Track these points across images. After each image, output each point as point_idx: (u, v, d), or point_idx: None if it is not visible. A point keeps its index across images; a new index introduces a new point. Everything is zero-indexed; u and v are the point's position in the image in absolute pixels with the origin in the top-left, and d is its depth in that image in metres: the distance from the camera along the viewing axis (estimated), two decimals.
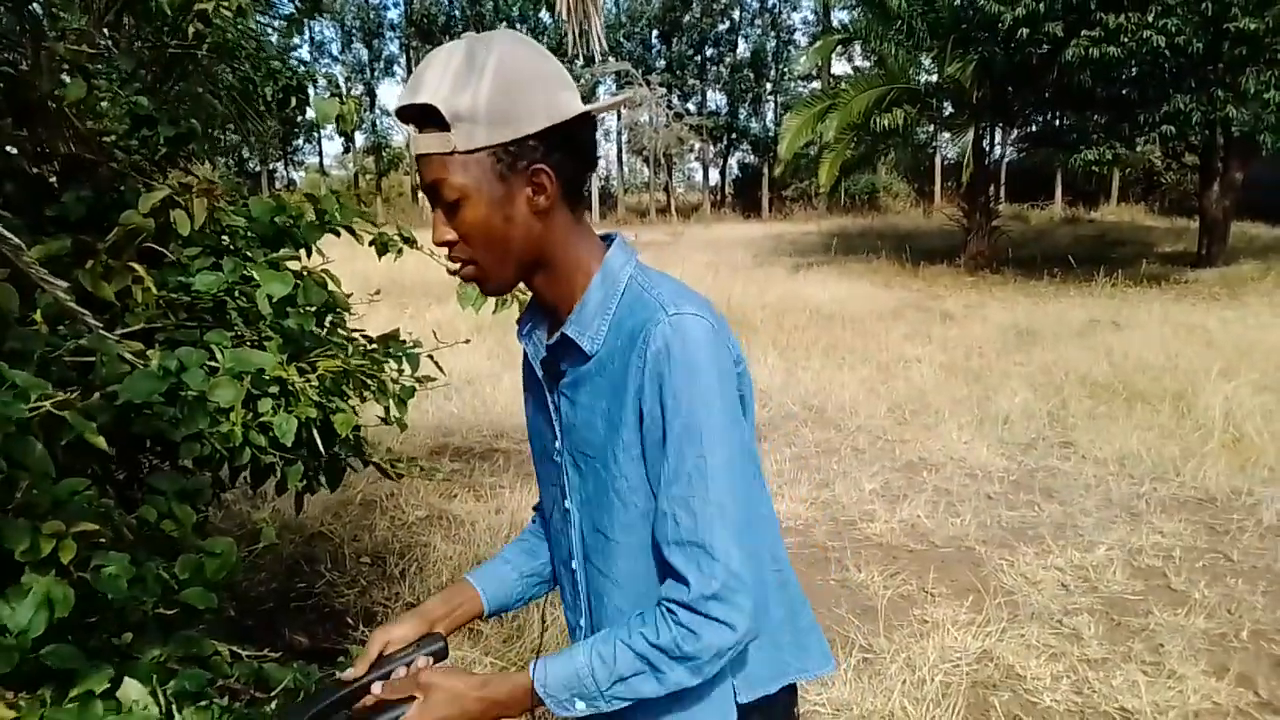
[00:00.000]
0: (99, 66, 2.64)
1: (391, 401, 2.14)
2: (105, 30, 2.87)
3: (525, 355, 1.33)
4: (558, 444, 1.26)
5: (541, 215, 1.14)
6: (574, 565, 1.29)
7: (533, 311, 1.31)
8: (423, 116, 1.09)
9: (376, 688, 1.19)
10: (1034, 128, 19.82)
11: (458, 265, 1.18)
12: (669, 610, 1.07)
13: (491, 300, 2.32)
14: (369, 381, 2.07)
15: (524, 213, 1.13)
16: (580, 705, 1.11)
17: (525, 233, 1.14)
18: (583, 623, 1.31)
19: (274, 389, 1.80)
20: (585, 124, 1.14)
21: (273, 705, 1.42)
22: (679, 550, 1.07)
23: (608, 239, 1.24)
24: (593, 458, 1.19)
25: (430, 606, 1.34)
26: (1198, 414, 6.35)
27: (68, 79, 2.18)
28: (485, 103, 1.06)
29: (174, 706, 1.16)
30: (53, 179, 2.20)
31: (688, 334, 1.08)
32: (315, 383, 1.90)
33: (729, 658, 1.08)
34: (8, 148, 2.05)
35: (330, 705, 1.18)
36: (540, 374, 1.27)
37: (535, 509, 1.50)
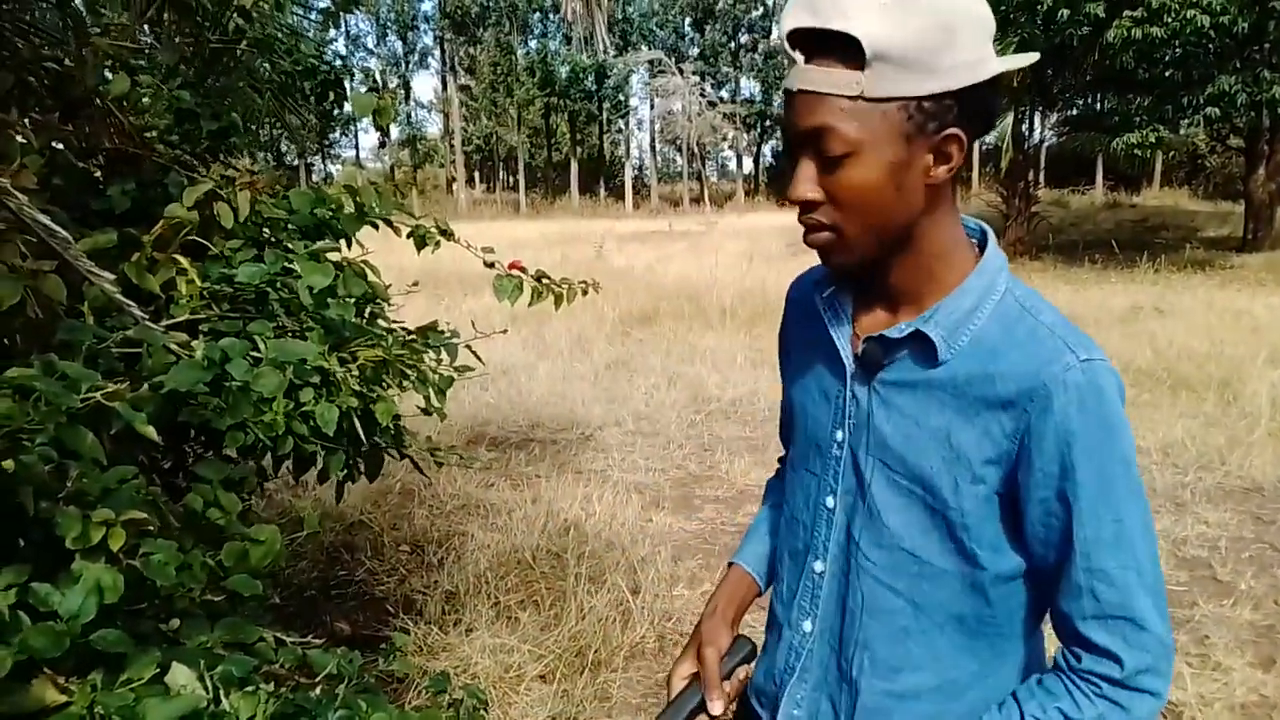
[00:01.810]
0: (141, 62, 2.68)
1: (431, 391, 2.15)
2: (146, 26, 2.92)
3: (790, 310, 1.25)
4: (840, 436, 1.13)
5: (932, 189, 0.99)
6: (818, 568, 1.16)
7: (838, 277, 1.14)
8: (823, 43, 0.92)
9: (718, 706, 1.18)
10: (1074, 111, 19.55)
11: (810, 229, 1.01)
12: (1092, 684, 0.98)
13: (527, 291, 2.32)
14: (408, 371, 2.09)
15: (917, 183, 0.97)
16: None
17: (908, 207, 0.98)
18: (809, 626, 1.18)
19: (315, 379, 1.82)
20: (995, 86, 0.97)
21: (317, 690, 1.43)
22: (1101, 625, 0.97)
23: (971, 230, 1.12)
24: (899, 471, 1.06)
25: (724, 607, 1.28)
26: (1244, 402, 6.23)
27: (110, 75, 2.21)
28: (915, 43, 0.89)
29: (220, 691, 1.18)
30: (98, 173, 2.24)
31: (1104, 388, 0.96)
32: (356, 372, 1.92)
33: None
34: (54, 142, 2.09)
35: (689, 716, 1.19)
36: (846, 355, 1.11)
37: (781, 460, 1.41)
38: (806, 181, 0.97)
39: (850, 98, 0.92)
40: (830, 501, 1.15)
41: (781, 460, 1.42)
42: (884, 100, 0.92)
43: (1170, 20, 12.93)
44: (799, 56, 0.93)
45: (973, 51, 0.92)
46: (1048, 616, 1.09)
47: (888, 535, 1.07)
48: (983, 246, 1.10)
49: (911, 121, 0.93)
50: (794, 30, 0.92)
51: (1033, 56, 1.02)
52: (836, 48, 0.91)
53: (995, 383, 0.99)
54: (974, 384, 1.00)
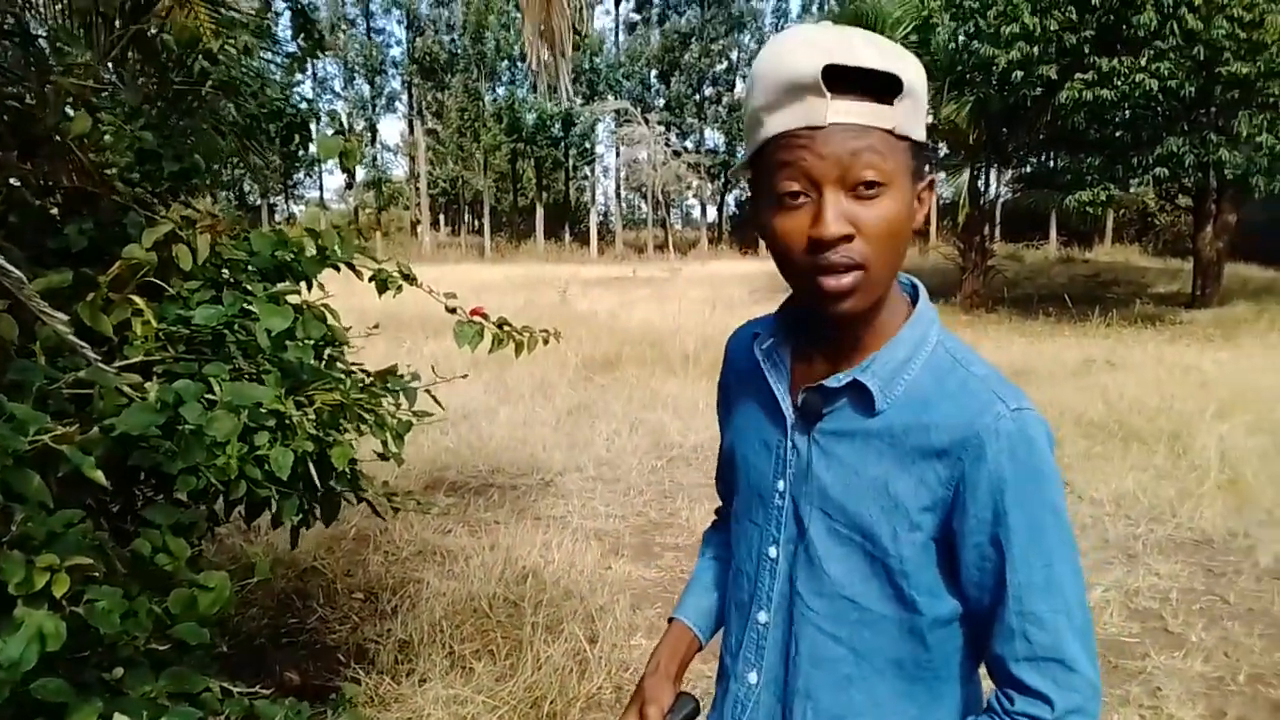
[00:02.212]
0: (104, 100, 2.67)
1: (389, 435, 2.14)
2: (110, 65, 2.91)
3: (729, 363, 1.28)
4: (781, 486, 1.14)
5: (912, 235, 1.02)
6: (762, 618, 1.17)
7: (779, 328, 1.17)
8: (851, 82, 0.94)
9: None
10: (1029, 168, 20.02)
11: (838, 270, 0.98)
12: None
13: (488, 338, 2.33)
14: (366, 415, 2.08)
15: (910, 228, 1.01)
16: None
17: (905, 251, 1.02)
18: (754, 678, 1.18)
19: (271, 422, 1.80)
20: None
21: None
22: (1033, 667, 1.00)
23: (903, 284, 1.14)
24: (839, 520, 1.08)
25: (666, 663, 1.28)
26: (1193, 455, 6.35)
27: (72, 113, 2.20)
28: (922, 88, 0.97)
29: None
30: (55, 211, 2.22)
31: (1034, 437, 1.00)
32: (313, 416, 1.91)
33: None
34: (11, 180, 2.07)
35: None
36: (786, 406, 1.13)
37: (718, 511, 1.43)
38: (840, 218, 0.96)
39: (886, 130, 0.95)
40: (773, 551, 1.15)
41: (718, 512, 1.45)
42: (905, 139, 0.97)
43: (1120, 83, 13.36)
44: (828, 96, 0.94)
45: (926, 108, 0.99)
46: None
47: (829, 583, 1.09)
48: (914, 299, 1.13)
49: (915, 162, 0.99)
50: (829, 66, 0.93)
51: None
52: (865, 86, 0.94)
53: (930, 432, 1.02)
54: (910, 434, 1.03)
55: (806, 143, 0.95)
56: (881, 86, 0.94)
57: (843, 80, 0.93)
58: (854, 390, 1.06)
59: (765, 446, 1.17)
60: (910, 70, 0.95)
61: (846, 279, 0.98)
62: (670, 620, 1.36)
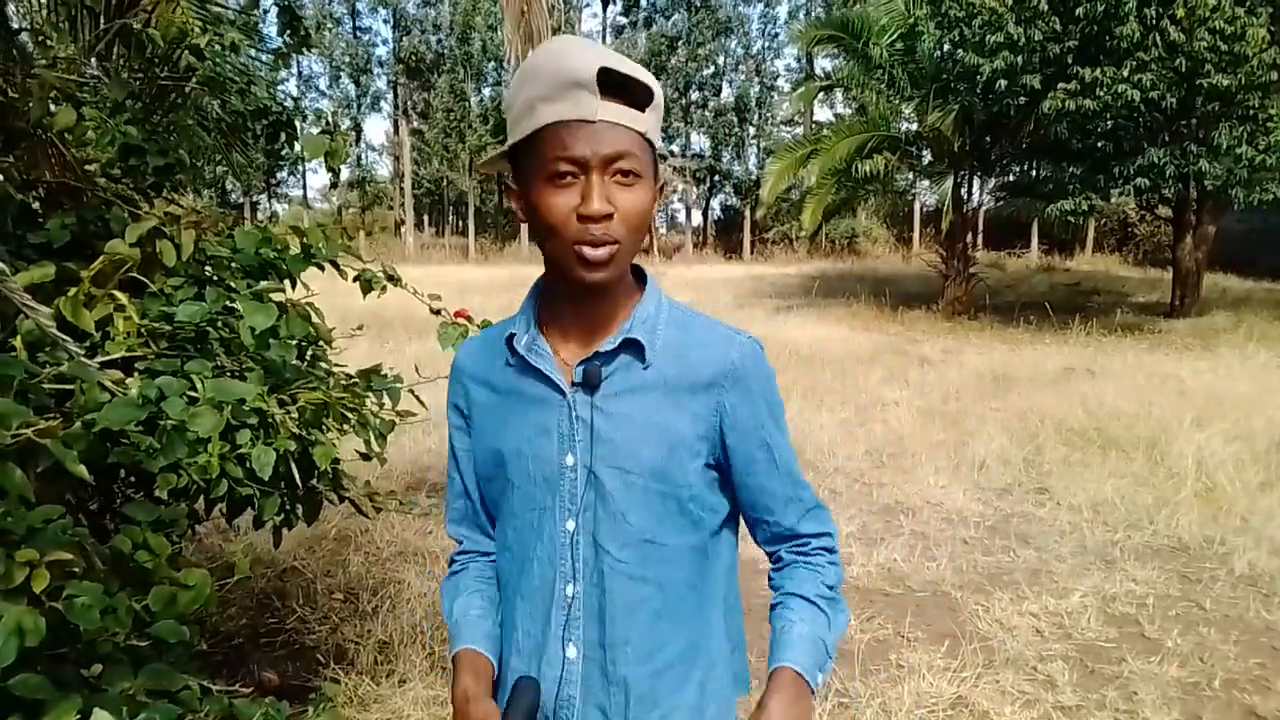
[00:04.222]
0: (88, 95, 2.66)
1: (371, 435, 2.14)
2: (95, 60, 2.89)
3: (466, 380, 1.34)
4: (571, 460, 1.23)
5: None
6: (570, 590, 1.23)
7: (531, 322, 1.28)
8: (616, 87, 1.11)
9: None
10: (1011, 177, 20.13)
11: (601, 243, 1.14)
12: (822, 556, 1.31)
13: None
14: (349, 415, 2.07)
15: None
16: (820, 679, 1.24)
17: (645, 233, 1.20)
18: (573, 652, 1.23)
19: (253, 420, 1.80)
20: None
21: None
22: (810, 517, 1.31)
23: None
24: (634, 471, 1.21)
25: (477, 688, 1.23)
26: (1171, 462, 6.41)
27: (54, 107, 2.19)
28: (661, 103, 1.16)
29: None
30: (37, 205, 2.20)
31: (762, 356, 1.26)
32: (295, 415, 1.90)
33: None
34: None
35: None
36: (563, 384, 1.23)
37: (454, 557, 1.43)
38: (602, 199, 1.11)
39: (639, 133, 1.13)
40: (570, 524, 1.24)
41: (454, 560, 1.43)
42: (649, 142, 1.15)
43: (1102, 94, 13.46)
44: (595, 96, 1.09)
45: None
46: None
47: (632, 531, 1.22)
48: (639, 277, 1.30)
49: (654, 165, 1.18)
50: (603, 69, 1.08)
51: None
52: (626, 92, 1.12)
53: (693, 370, 1.23)
54: (678, 379, 1.22)
55: (579, 132, 1.10)
56: (637, 97, 1.12)
57: (609, 86, 1.10)
58: (627, 348, 1.22)
59: (543, 432, 1.25)
60: (656, 87, 1.15)
61: (603, 250, 1.13)
62: (457, 655, 1.29)
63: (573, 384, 1.23)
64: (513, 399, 1.28)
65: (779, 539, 1.33)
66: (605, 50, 1.12)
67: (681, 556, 1.25)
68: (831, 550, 1.32)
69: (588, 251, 1.13)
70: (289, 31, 3.27)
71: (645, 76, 1.13)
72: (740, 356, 1.23)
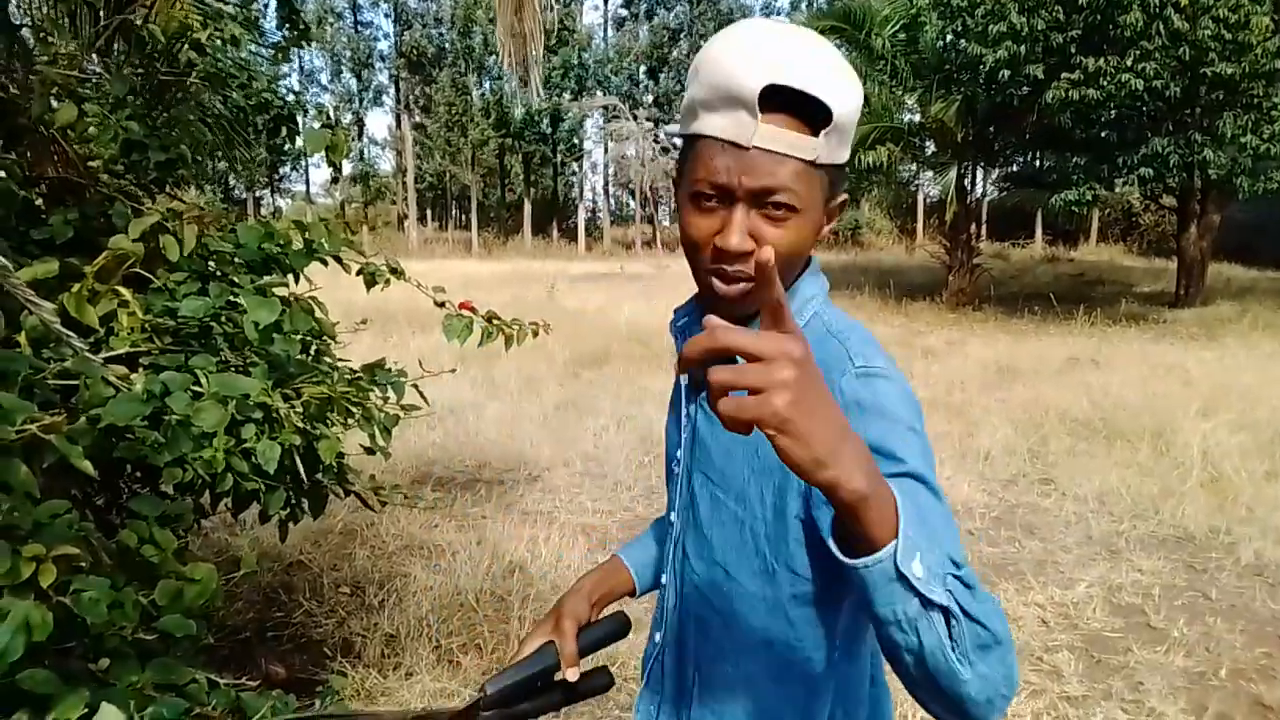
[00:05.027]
0: (89, 91, 2.65)
1: (376, 429, 2.14)
2: (96, 55, 2.89)
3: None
4: (679, 454, 1.19)
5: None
6: (663, 579, 1.23)
7: (694, 309, 1.21)
8: (785, 104, 0.93)
9: (572, 674, 1.18)
10: (1015, 168, 20.09)
11: (734, 279, 1.01)
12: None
13: (477, 331, 2.32)
14: (353, 409, 2.07)
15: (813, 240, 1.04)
16: (917, 567, 0.76)
17: (804, 260, 1.08)
18: (659, 637, 1.23)
19: (258, 415, 1.80)
20: None
21: None
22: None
23: None
24: (719, 485, 1.11)
25: (590, 587, 1.30)
26: (1176, 452, 6.41)
27: (57, 103, 2.19)
28: (853, 116, 0.97)
29: None
30: (39, 201, 2.20)
31: (882, 390, 1.00)
32: (300, 409, 1.90)
33: None
34: None
35: (534, 676, 1.16)
36: (684, 378, 1.18)
37: None
38: (742, 233, 0.98)
39: (807, 161, 0.95)
40: (673, 517, 1.21)
41: None
42: (823, 166, 0.97)
43: (1106, 83, 13.42)
44: (757, 117, 0.93)
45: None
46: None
47: (708, 549, 1.13)
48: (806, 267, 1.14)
49: (832, 186, 1.01)
50: (768, 86, 0.92)
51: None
52: (798, 111, 0.93)
53: None
54: None
55: (730, 155, 0.96)
56: (813, 110, 0.94)
57: (777, 97, 0.93)
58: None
59: (676, 421, 1.22)
60: (846, 99, 0.95)
61: (735, 288, 1.01)
62: (612, 556, 1.41)
63: (687, 378, 1.18)
64: (674, 380, 1.24)
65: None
66: (787, 50, 0.94)
67: (752, 603, 1.08)
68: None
69: (720, 287, 1.02)
70: (287, 25, 3.27)
71: (826, 91, 0.92)
72: (840, 386, 1.00)
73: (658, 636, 1.24)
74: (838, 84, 0.94)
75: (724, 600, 1.11)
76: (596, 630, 1.24)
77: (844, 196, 1.03)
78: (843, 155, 1.00)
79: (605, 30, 52.23)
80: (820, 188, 0.99)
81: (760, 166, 0.95)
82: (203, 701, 1.40)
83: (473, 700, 1.13)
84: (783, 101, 0.93)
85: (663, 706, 1.23)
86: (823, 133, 0.94)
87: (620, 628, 1.26)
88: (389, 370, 2.30)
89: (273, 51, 3.63)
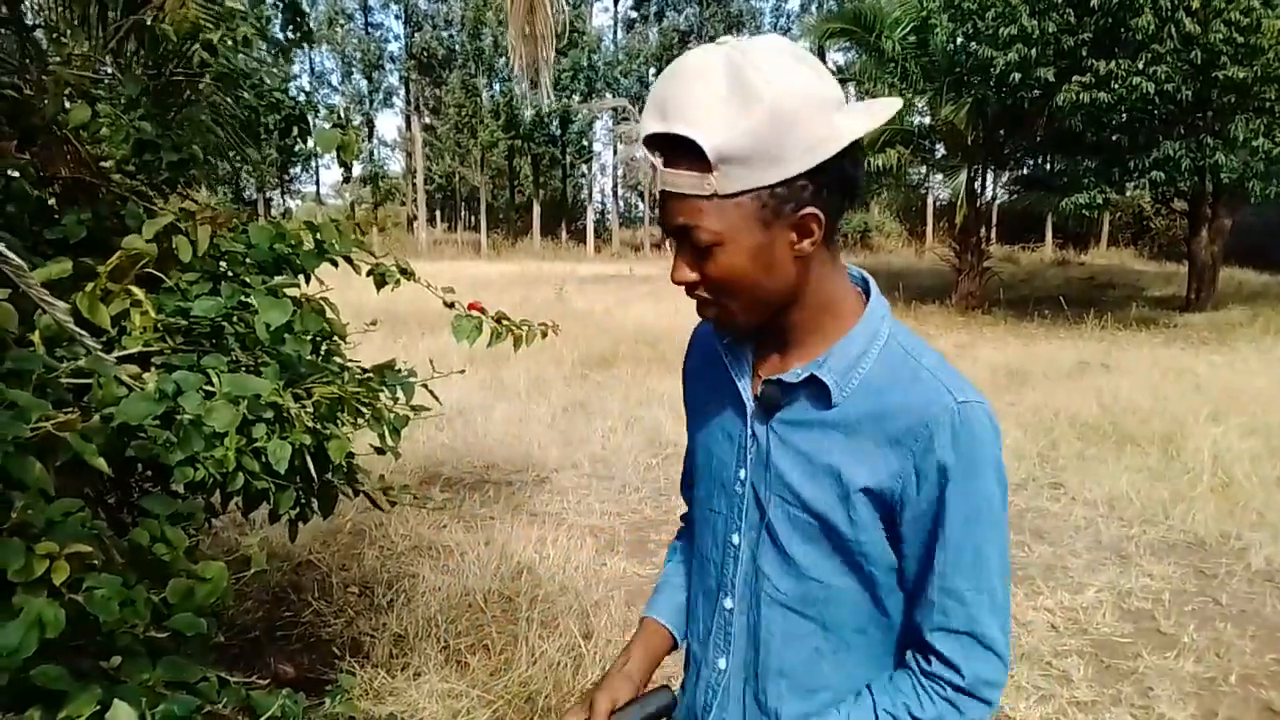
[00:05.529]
0: (102, 91, 2.67)
1: (385, 430, 2.14)
2: (109, 56, 2.91)
3: (693, 349, 1.32)
4: (743, 475, 1.17)
5: (802, 259, 1.04)
6: (728, 604, 1.21)
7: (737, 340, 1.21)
8: (675, 147, 0.96)
9: None
10: (1025, 171, 20.03)
11: (700, 304, 1.09)
12: (936, 685, 1.07)
13: (486, 332, 2.33)
14: (363, 409, 2.08)
15: (785, 258, 1.03)
16: None
17: (782, 279, 1.05)
18: (724, 664, 1.22)
19: (269, 414, 1.81)
20: (854, 151, 1.00)
21: None
22: (948, 637, 1.07)
23: (855, 279, 1.18)
24: (804, 510, 1.11)
25: (634, 661, 1.29)
26: (1187, 457, 6.37)
27: (68, 104, 2.20)
28: (754, 140, 0.93)
29: None
30: (52, 201, 2.21)
31: (976, 427, 1.03)
32: (310, 409, 1.91)
33: None
34: (9, 170, 2.06)
35: None
36: (747, 396, 1.16)
37: (684, 518, 1.46)
38: (684, 268, 1.05)
39: (705, 197, 0.97)
40: (736, 539, 1.19)
41: (684, 519, 1.46)
42: (736, 194, 0.97)
43: (1117, 86, 13.38)
44: (657, 159, 0.98)
45: (816, 130, 0.95)
46: None
47: (794, 566, 1.13)
48: (867, 294, 1.17)
49: (766, 209, 0.98)
50: (650, 135, 0.98)
51: (895, 102, 1.04)
52: (687, 151, 0.95)
53: (883, 422, 1.06)
54: (864, 424, 1.07)
55: (662, 199, 1.02)
56: (700, 148, 0.94)
57: (671, 145, 0.96)
58: (811, 384, 1.10)
59: (728, 436, 1.20)
60: (729, 129, 0.93)
61: (710, 312, 1.09)
62: (642, 619, 1.37)
63: (755, 399, 1.16)
64: (714, 391, 1.24)
65: (909, 637, 1.14)
66: (666, 91, 0.96)
67: (846, 599, 1.13)
68: (957, 689, 1.07)
69: (701, 312, 1.10)
70: (291, 26, 3.28)
71: (698, 128, 0.93)
72: (942, 419, 1.02)
73: (721, 663, 1.22)
74: (720, 115, 0.93)
75: (820, 608, 1.14)
76: (642, 709, 1.22)
77: (808, 209, 0.99)
78: (767, 177, 0.96)
79: (615, 32, 52.30)
80: (747, 214, 0.98)
81: (670, 208, 1.01)
82: (213, 699, 1.41)
83: None
84: (677, 146, 0.96)
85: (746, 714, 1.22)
86: (721, 166, 0.95)
87: (670, 704, 1.25)
88: (398, 371, 2.30)
89: (275, 52, 3.65)
